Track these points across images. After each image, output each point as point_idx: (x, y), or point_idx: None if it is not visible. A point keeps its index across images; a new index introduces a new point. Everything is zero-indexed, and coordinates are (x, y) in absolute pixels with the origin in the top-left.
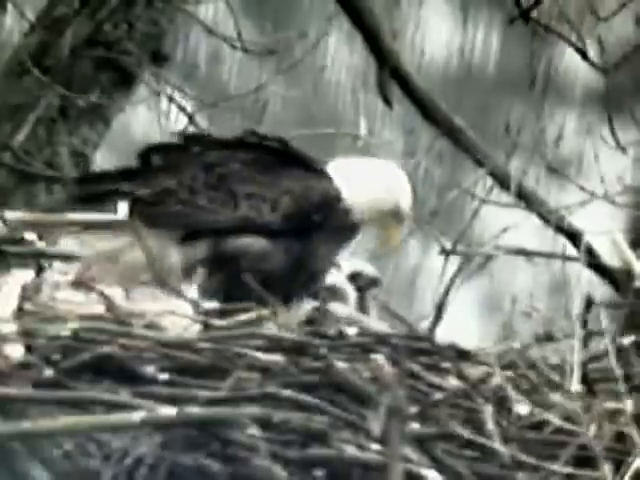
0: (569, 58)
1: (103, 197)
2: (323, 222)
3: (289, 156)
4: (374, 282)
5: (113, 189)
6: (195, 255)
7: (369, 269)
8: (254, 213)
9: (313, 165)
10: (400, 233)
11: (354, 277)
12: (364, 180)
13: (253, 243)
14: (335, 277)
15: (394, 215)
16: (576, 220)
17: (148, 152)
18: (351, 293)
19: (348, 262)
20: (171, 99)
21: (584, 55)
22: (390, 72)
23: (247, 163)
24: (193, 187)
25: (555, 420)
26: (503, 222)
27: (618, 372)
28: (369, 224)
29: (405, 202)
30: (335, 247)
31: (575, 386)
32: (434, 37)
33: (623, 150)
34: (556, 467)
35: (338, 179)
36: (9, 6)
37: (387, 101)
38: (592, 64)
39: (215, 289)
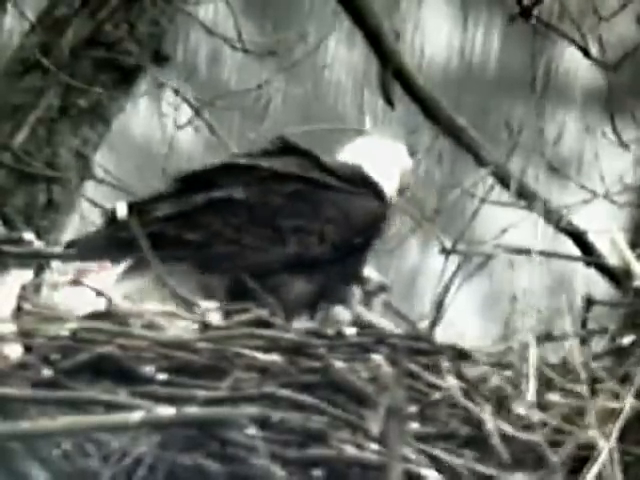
0: (570, 57)
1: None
2: (368, 240)
3: (324, 181)
4: (382, 288)
5: (158, 232)
6: (225, 290)
7: (374, 274)
8: (302, 248)
9: (350, 180)
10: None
11: (362, 282)
12: (385, 162)
13: (288, 285)
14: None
15: (401, 194)
16: (577, 219)
17: (185, 180)
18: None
19: None
20: (177, 91)
21: (586, 53)
22: (393, 72)
23: (286, 196)
24: (239, 226)
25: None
26: (506, 221)
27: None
28: None
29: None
30: (369, 254)
31: (531, 396)
32: (434, 37)
33: (626, 147)
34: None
35: (368, 165)
36: (9, 6)
37: (389, 101)
38: (595, 61)
39: None
